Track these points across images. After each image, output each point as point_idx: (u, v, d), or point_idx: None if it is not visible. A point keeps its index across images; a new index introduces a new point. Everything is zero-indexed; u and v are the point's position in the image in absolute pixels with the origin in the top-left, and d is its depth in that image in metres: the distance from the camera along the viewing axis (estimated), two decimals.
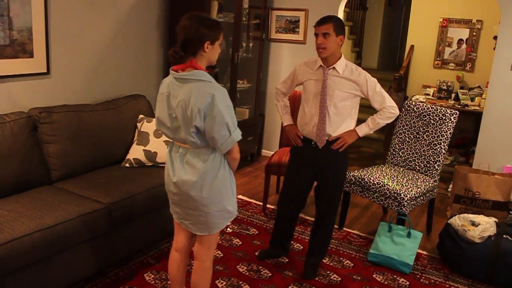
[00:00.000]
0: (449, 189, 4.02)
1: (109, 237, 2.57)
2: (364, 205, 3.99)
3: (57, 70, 3.13)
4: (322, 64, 2.53)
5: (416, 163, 3.46)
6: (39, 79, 3.03)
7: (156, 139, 3.15)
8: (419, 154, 3.45)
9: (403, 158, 3.54)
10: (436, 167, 3.35)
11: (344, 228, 3.48)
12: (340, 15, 4.57)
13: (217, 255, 2.94)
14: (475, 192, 3.51)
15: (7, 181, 2.56)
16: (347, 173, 2.96)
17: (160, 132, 2.33)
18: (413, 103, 3.57)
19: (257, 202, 3.86)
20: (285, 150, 3.60)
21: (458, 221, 2.99)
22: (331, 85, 2.51)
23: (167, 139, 2.73)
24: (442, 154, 3.34)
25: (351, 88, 2.53)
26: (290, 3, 4.70)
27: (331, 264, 2.94)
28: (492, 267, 2.78)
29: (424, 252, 3.18)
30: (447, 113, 3.36)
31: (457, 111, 3.38)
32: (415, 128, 3.50)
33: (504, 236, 2.84)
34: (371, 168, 3.45)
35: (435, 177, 3.36)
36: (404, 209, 3.02)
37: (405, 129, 3.55)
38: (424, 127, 3.45)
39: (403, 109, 3.60)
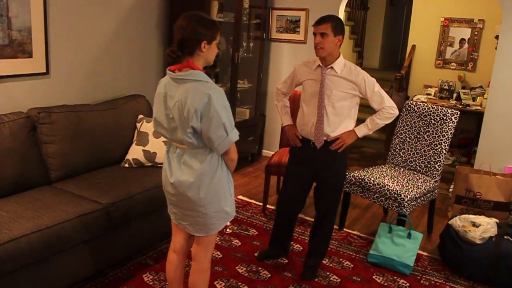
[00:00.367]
0: (451, 190, 3.99)
1: (107, 238, 2.56)
2: (365, 205, 3.97)
3: (56, 70, 3.13)
4: (320, 64, 2.52)
5: (417, 164, 3.44)
6: (38, 79, 3.03)
7: (155, 139, 3.14)
8: (420, 154, 3.43)
9: (403, 158, 3.52)
10: (437, 167, 3.33)
11: (345, 229, 3.46)
12: (341, 14, 4.54)
13: (216, 255, 2.92)
14: (476, 193, 3.48)
15: (6, 181, 2.56)
16: (347, 173, 2.95)
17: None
18: (414, 103, 3.56)
19: (257, 203, 3.85)
20: (285, 150, 3.59)
21: (458, 222, 2.97)
22: (329, 84, 2.50)
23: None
24: (443, 154, 3.32)
25: (349, 88, 2.51)
26: (290, 3, 4.69)
27: (331, 265, 2.92)
28: (493, 269, 2.76)
29: (425, 253, 3.17)
30: (448, 113, 3.34)
31: (458, 111, 3.36)
32: (416, 128, 3.48)
33: (505, 237, 2.82)
34: (371, 168, 3.43)
35: (435, 177, 3.34)
36: (404, 209, 3.00)
37: (406, 129, 3.54)
38: (425, 127, 3.43)
39: (404, 109, 3.58)
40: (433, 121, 3.39)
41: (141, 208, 2.72)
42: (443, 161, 3.35)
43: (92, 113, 3.07)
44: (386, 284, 2.76)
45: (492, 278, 2.78)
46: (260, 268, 2.83)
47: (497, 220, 2.99)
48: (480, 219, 2.97)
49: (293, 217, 2.86)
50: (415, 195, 3.05)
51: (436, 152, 3.34)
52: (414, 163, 3.46)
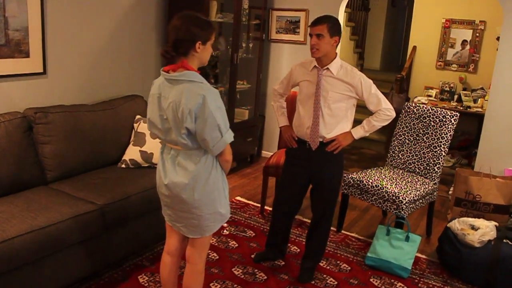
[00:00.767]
0: (450, 192, 3.97)
1: (103, 239, 2.54)
2: (364, 207, 3.95)
3: (53, 70, 3.12)
4: (317, 65, 2.50)
5: (416, 166, 3.42)
6: (35, 79, 3.02)
7: (152, 140, 3.12)
8: (419, 156, 3.41)
9: (402, 160, 3.50)
10: (436, 169, 3.31)
11: (343, 231, 3.44)
12: (341, 15, 4.52)
13: (213, 257, 2.91)
14: (476, 195, 3.46)
15: (2, 181, 2.55)
16: (345, 175, 2.92)
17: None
18: (413, 104, 3.53)
19: (255, 204, 3.83)
20: (284, 151, 3.57)
21: (457, 224, 2.94)
22: (325, 86, 2.48)
23: None
24: (442, 156, 3.30)
25: (346, 90, 2.49)
26: (290, 4, 4.67)
27: (328, 267, 2.90)
28: (492, 272, 2.73)
29: (423, 256, 3.14)
30: (447, 115, 3.31)
31: (457, 113, 3.33)
32: (415, 130, 3.46)
33: (504, 240, 2.79)
34: (370, 170, 3.41)
35: (435, 179, 3.31)
36: (402, 212, 2.97)
37: (405, 131, 3.51)
38: (424, 129, 3.41)
39: (403, 111, 3.56)
40: (432, 123, 3.36)
41: (138, 209, 2.71)
42: (442, 163, 3.32)
43: (89, 113, 3.06)
44: (383, 287, 2.73)
45: (491, 282, 2.75)
46: (256, 270, 2.81)
47: (497, 223, 2.96)
48: (479, 222, 2.94)
49: (289, 218, 2.84)
50: (413, 197, 3.03)
51: (435, 154, 3.31)
52: (413, 165, 3.44)
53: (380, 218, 3.76)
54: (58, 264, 2.31)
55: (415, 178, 3.30)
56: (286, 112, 2.82)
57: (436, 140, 3.32)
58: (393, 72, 6.84)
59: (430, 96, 5.81)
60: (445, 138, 3.29)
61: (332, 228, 3.25)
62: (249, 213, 3.64)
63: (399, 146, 3.53)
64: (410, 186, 3.12)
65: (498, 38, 4.02)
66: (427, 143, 3.37)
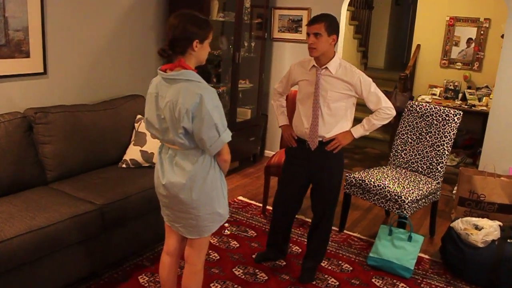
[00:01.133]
0: (454, 191, 3.93)
1: (102, 239, 2.54)
2: (367, 207, 3.92)
3: (54, 70, 3.12)
4: (315, 64, 2.47)
5: (419, 165, 3.38)
6: (35, 79, 3.02)
7: (153, 140, 3.11)
8: (422, 155, 3.37)
9: (405, 159, 3.46)
10: (439, 168, 3.27)
11: (345, 231, 3.41)
12: (343, 14, 4.49)
13: (214, 257, 2.89)
14: (480, 195, 3.42)
15: (2, 181, 2.54)
16: (347, 174, 2.89)
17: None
18: (416, 103, 3.49)
19: (257, 204, 3.81)
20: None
21: (460, 224, 2.91)
22: (324, 85, 2.45)
23: None
24: (445, 155, 3.26)
25: (345, 89, 2.46)
26: (292, 2, 4.64)
27: (330, 267, 2.88)
28: (495, 273, 2.69)
29: (426, 256, 3.11)
30: (451, 113, 3.27)
31: (460, 112, 3.29)
32: (418, 129, 3.42)
33: (508, 240, 2.75)
34: (372, 169, 3.38)
35: (438, 179, 3.27)
36: (405, 212, 2.94)
37: (408, 130, 3.48)
38: (427, 128, 3.37)
39: (406, 110, 3.52)
40: (435, 122, 3.33)
41: (137, 209, 2.70)
42: (446, 162, 3.28)
43: (89, 113, 3.05)
44: (385, 287, 2.71)
45: (494, 283, 2.72)
46: (257, 270, 2.79)
47: (501, 223, 2.92)
48: (483, 222, 2.90)
49: (290, 218, 2.82)
50: (416, 197, 2.99)
51: (438, 153, 3.28)
52: (416, 164, 3.40)
53: (383, 218, 3.73)
54: (57, 264, 2.30)
55: (418, 177, 3.26)
56: (286, 111, 2.80)
57: (439, 139, 3.29)
58: (397, 70, 6.79)
59: (434, 94, 5.76)
60: (448, 137, 3.25)
61: (334, 228, 3.23)
62: (251, 213, 3.62)
63: (402, 145, 3.49)
64: (412, 186, 3.08)
65: (503, 36, 3.97)
66: (430, 142, 3.33)
